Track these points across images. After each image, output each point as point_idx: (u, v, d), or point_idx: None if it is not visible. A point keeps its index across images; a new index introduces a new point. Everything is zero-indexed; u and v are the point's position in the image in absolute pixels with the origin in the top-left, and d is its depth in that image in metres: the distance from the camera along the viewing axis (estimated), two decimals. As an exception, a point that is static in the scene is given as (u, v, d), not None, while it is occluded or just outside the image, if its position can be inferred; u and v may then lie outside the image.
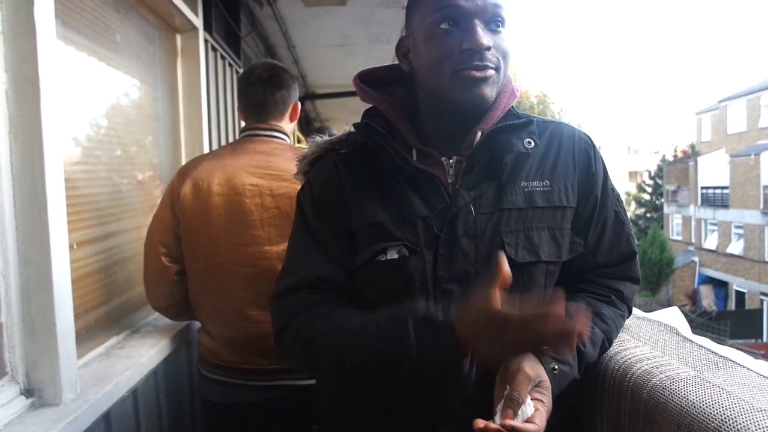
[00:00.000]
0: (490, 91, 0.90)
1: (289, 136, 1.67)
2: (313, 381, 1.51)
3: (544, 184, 0.95)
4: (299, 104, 1.71)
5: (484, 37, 0.87)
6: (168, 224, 1.57)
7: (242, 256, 1.52)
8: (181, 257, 1.58)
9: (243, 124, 1.71)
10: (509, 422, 0.76)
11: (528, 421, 0.78)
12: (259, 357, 1.54)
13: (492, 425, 0.74)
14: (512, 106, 0.99)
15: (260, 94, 1.62)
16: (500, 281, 0.77)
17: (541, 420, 0.79)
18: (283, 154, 1.58)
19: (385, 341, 0.87)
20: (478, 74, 0.88)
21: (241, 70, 3.37)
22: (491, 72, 0.89)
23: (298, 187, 1.50)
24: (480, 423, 0.74)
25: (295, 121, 1.72)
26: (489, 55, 0.88)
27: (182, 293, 1.61)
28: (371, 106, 1.01)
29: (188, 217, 1.54)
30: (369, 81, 1.02)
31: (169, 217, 1.57)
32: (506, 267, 0.77)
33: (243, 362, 1.55)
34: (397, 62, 1.02)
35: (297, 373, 1.52)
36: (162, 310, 1.69)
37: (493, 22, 0.89)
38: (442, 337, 0.83)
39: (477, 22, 0.88)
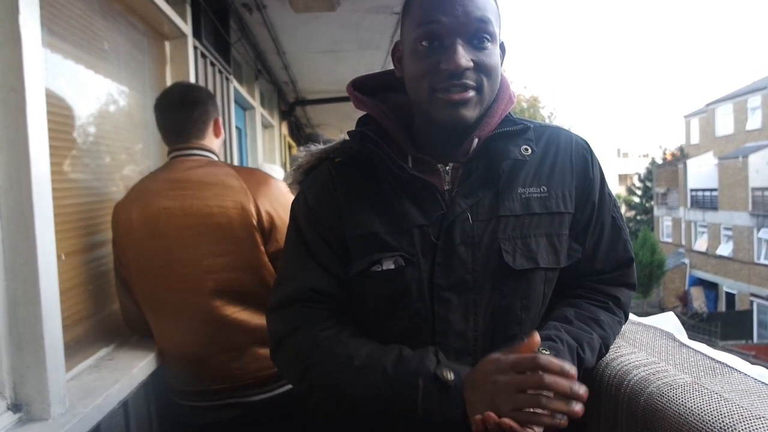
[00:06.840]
0: (469, 112, 0.88)
1: (215, 152, 1.65)
2: (270, 394, 1.51)
3: (542, 190, 0.95)
4: (220, 119, 1.68)
5: (464, 57, 0.86)
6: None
7: (168, 279, 1.52)
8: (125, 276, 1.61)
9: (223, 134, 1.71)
10: (508, 421, 0.76)
11: None
12: (202, 378, 1.54)
13: (505, 420, 0.75)
14: (509, 113, 0.98)
15: (176, 116, 1.59)
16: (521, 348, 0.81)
17: None
18: (198, 170, 1.55)
19: (390, 394, 0.85)
20: (456, 97, 0.87)
21: (231, 77, 3.35)
22: (470, 94, 0.88)
23: (211, 203, 1.51)
24: (492, 416, 0.75)
25: (221, 137, 1.70)
26: (469, 74, 0.87)
27: (134, 309, 1.63)
28: (365, 113, 1.00)
29: (118, 248, 1.57)
30: (362, 88, 1.01)
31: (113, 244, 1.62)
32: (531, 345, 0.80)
33: (188, 384, 1.57)
34: (389, 68, 1.02)
35: (246, 390, 1.53)
36: (125, 320, 1.71)
37: (477, 38, 0.88)
38: (450, 403, 0.83)
39: (458, 40, 0.86)
